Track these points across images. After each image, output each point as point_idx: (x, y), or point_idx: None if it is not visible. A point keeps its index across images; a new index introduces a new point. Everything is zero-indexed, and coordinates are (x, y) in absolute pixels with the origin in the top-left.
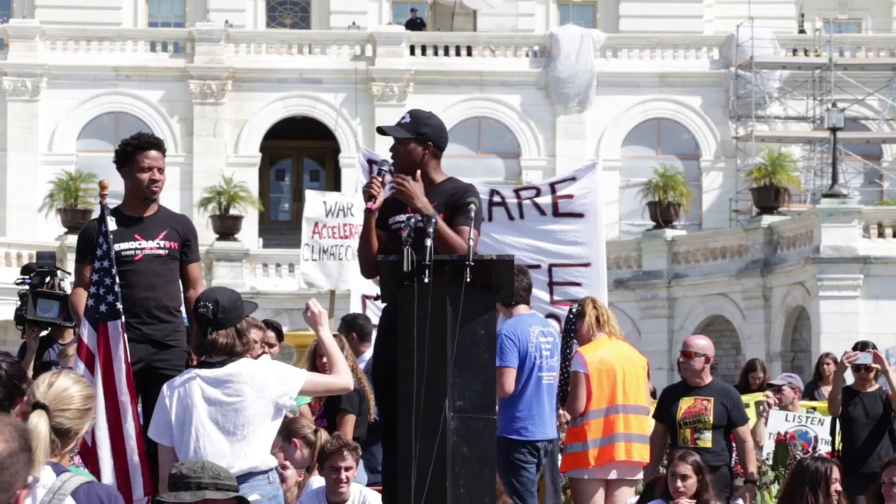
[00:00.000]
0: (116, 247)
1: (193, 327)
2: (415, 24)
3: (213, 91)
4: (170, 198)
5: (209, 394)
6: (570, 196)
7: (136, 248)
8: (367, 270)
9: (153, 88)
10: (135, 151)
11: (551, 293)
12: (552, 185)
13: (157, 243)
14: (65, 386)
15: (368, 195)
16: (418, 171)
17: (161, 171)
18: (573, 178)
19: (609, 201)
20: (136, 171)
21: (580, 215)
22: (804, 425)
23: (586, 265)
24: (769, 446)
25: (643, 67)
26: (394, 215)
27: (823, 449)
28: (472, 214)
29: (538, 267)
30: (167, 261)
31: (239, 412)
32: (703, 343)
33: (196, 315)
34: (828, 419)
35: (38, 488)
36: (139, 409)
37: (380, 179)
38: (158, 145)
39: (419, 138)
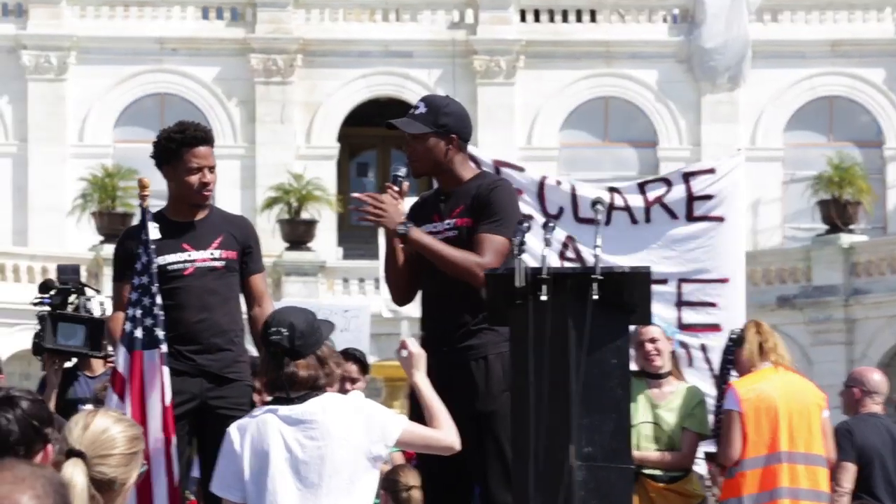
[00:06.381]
0: (161, 260)
1: (262, 355)
2: None
3: (279, 68)
4: (228, 198)
5: (288, 436)
6: (710, 196)
7: (185, 261)
8: (398, 296)
9: (206, 65)
10: (180, 148)
11: (679, 316)
12: (686, 177)
13: (211, 253)
14: (104, 427)
15: None
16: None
17: (212, 169)
18: (711, 171)
19: (769, 200)
20: (184, 173)
21: (720, 219)
22: None
23: (723, 281)
24: None
25: (810, 34)
26: (421, 225)
27: None
28: (497, 219)
29: (664, 283)
30: (224, 274)
31: (324, 459)
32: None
33: (267, 343)
34: None
35: None
36: (186, 456)
37: (395, 189)
38: (208, 139)
39: (440, 131)
